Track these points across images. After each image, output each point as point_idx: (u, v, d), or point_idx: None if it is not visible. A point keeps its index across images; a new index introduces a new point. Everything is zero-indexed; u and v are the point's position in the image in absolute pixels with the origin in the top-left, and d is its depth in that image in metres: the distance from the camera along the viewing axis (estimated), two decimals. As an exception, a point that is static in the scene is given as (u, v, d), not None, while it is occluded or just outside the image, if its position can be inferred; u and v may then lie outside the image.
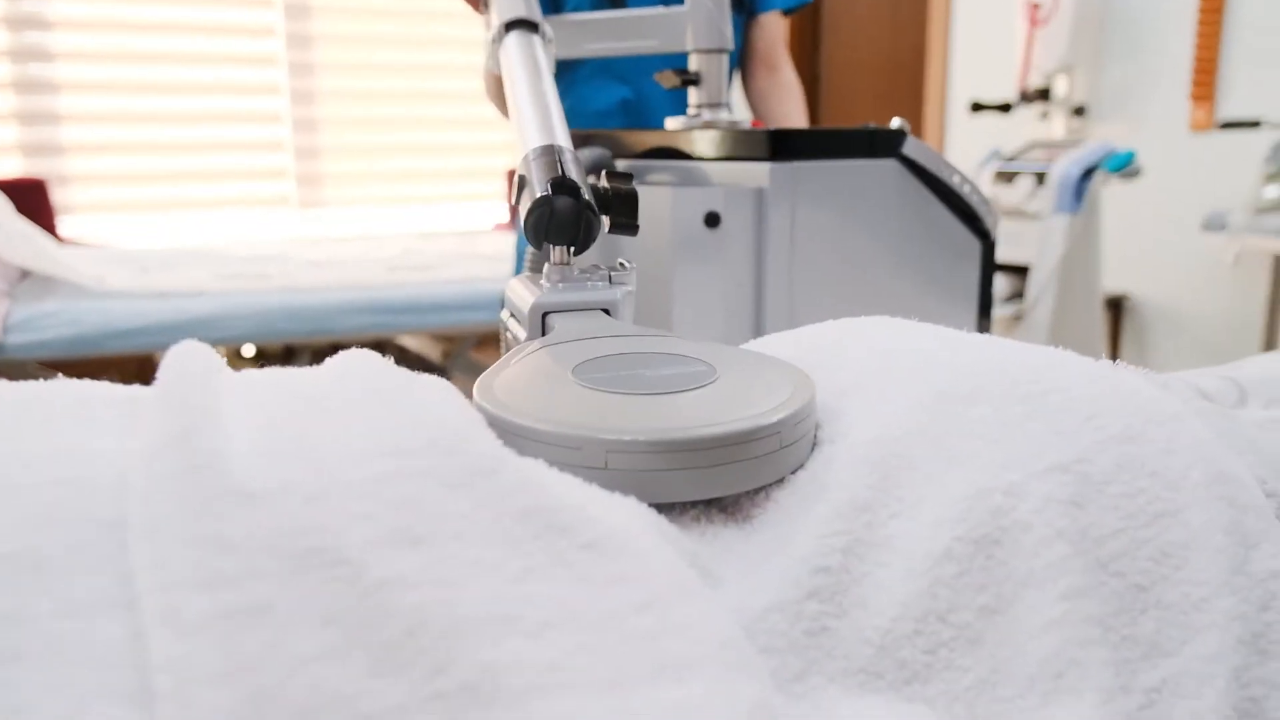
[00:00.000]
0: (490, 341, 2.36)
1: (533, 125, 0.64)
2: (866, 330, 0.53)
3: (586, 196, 0.57)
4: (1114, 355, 3.17)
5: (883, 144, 0.93)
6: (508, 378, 0.44)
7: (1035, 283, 2.55)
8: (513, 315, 0.60)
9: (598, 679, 0.27)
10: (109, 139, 3.78)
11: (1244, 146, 2.58)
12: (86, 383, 0.40)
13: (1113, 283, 2.99)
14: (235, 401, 0.35)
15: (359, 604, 0.27)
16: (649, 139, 1.00)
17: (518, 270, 1.40)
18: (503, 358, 0.48)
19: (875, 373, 0.46)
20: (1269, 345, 2.46)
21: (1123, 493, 0.39)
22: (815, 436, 0.44)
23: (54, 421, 0.34)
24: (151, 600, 0.26)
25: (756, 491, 0.41)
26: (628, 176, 0.61)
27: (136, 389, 0.38)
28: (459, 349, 2.32)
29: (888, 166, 0.94)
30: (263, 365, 2.00)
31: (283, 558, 0.28)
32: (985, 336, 0.51)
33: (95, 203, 3.78)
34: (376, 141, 4.24)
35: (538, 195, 0.57)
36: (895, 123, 0.98)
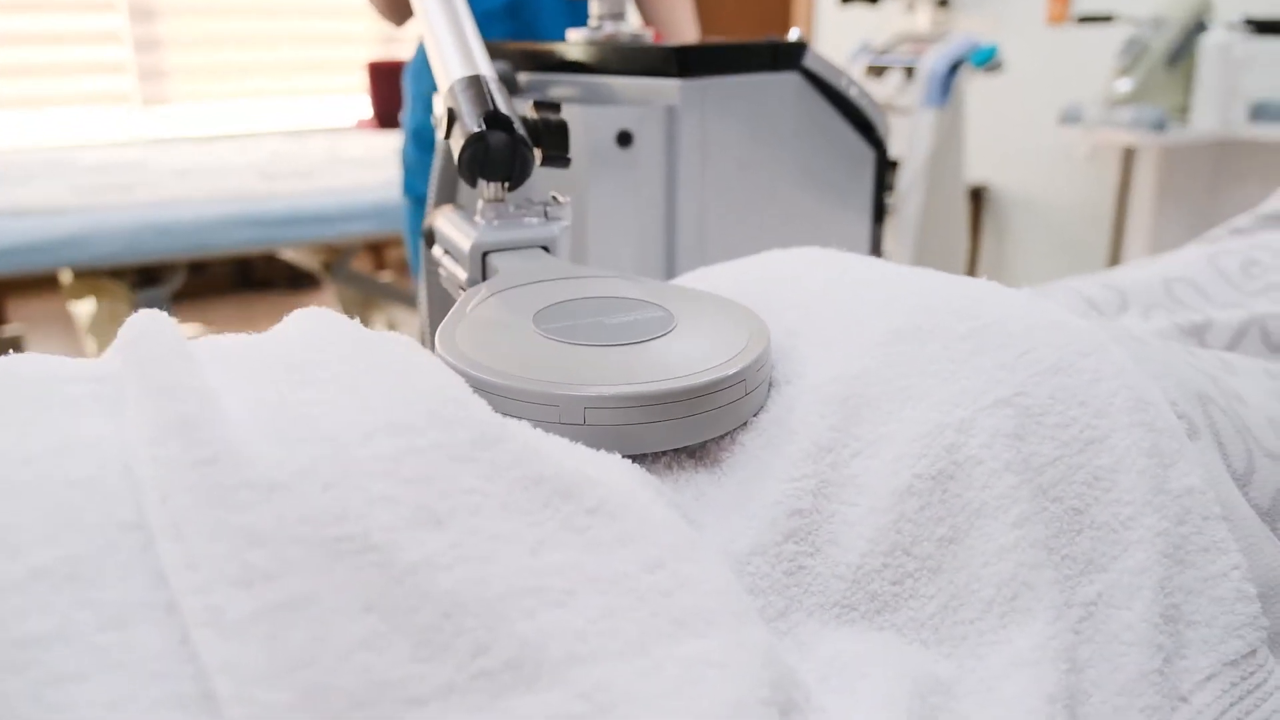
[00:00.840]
0: (370, 250, 2.29)
1: (454, 55, 0.62)
2: (803, 265, 0.55)
3: (520, 130, 0.57)
4: (974, 245, 3.32)
5: (785, 57, 0.94)
6: (469, 330, 0.44)
7: (904, 177, 2.63)
8: (447, 252, 0.60)
9: (625, 641, 0.29)
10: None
11: (1099, 40, 2.68)
12: (42, 357, 0.38)
13: (973, 173, 3.11)
14: (217, 376, 0.35)
15: (394, 589, 0.28)
16: (548, 52, 0.98)
17: (407, 185, 1.36)
18: (455, 305, 0.48)
19: (822, 312, 0.48)
20: (1119, 233, 2.62)
21: (1057, 422, 0.42)
22: (770, 378, 0.45)
23: (32, 408, 0.33)
24: (190, 602, 0.26)
25: (722, 436, 0.43)
26: (555, 106, 0.61)
27: (101, 364, 0.37)
28: (340, 260, 2.26)
29: (789, 79, 0.94)
30: (129, 284, 1.90)
31: (313, 547, 0.28)
32: (913, 269, 0.53)
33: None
34: (223, 30, 3.98)
35: (471, 131, 0.56)
36: (793, 34, 0.99)
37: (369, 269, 2.75)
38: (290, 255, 2.28)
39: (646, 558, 0.32)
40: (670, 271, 0.89)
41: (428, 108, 1.33)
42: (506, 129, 0.56)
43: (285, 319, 0.45)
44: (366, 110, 4.01)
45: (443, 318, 0.85)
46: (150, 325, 0.37)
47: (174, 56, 3.92)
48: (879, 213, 1.11)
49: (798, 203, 0.99)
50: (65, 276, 1.89)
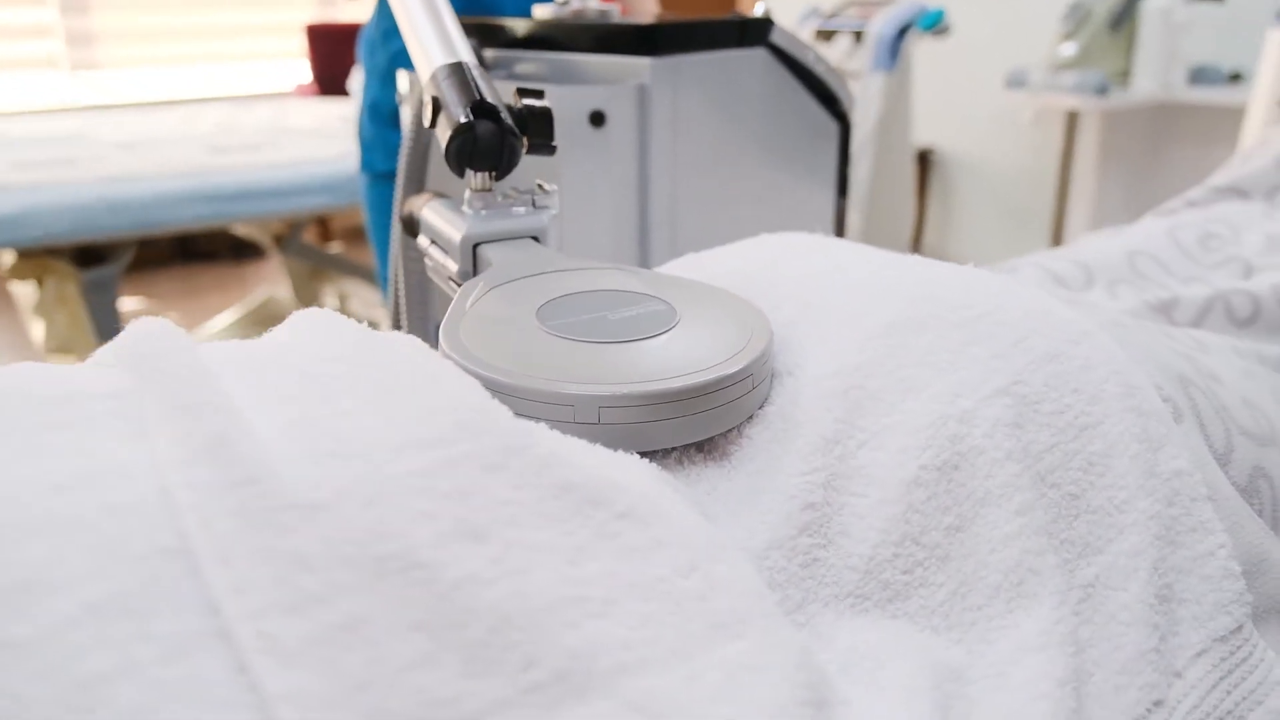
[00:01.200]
0: (317, 221, 2.25)
1: (435, 41, 0.61)
2: (791, 253, 0.55)
3: (507, 119, 0.56)
4: (921, 207, 3.36)
5: (752, 33, 0.94)
6: (473, 328, 0.44)
7: (855, 141, 2.64)
8: (434, 242, 0.59)
9: (667, 648, 0.30)
10: None
11: (1044, 4, 2.71)
12: (42, 369, 0.37)
13: (920, 137, 3.14)
14: (235, 389, 0.34)
15: (441, 606, 0.28)
16: (514, 28, 0.97)
17: (365, 160, 1.34)
18: (454, 302, 0.48)
19: (817, 303, 0.49)
20: (1062, 196, 2.67)
21: (1053, 410, 0.44)
22: (772, 370, 0.46)
23: (53, 430, 0.32)
24: (244, 629, 0.26)
25: (730, 429, 0.43)
26: (539, 93, 0.60)
27: (110, 378, 0.36)
28: (292, 233, 2.21)
29: (757, 55, 0.95)
30: (74, 263, 1.84)
31: (359, 568, 0.28)
32: (900, 256, 0.54)
33: None
34: (154, -7, 3.86)
35: (459, 121, 0.55)
36: (759, 10, 0.99)
37: (315, 239, 2.70)
38: (240, 228, 2.23)
39: (679, 562, 0.32)
40: (644, 251, 0.89)
41: (384, 81, 1.31)
42: (493, 118, 0.56)
43: (287, 322, 0.44)
44: (306, 74, 3.92)
45: (421, 304, 0.85)
46: (160, 336, 0.36)
47: (103, 19, 3.79)
48: (843, 185, 1.12)
49: (764, 178, 1.00)
50: (6, 257, 1.83)
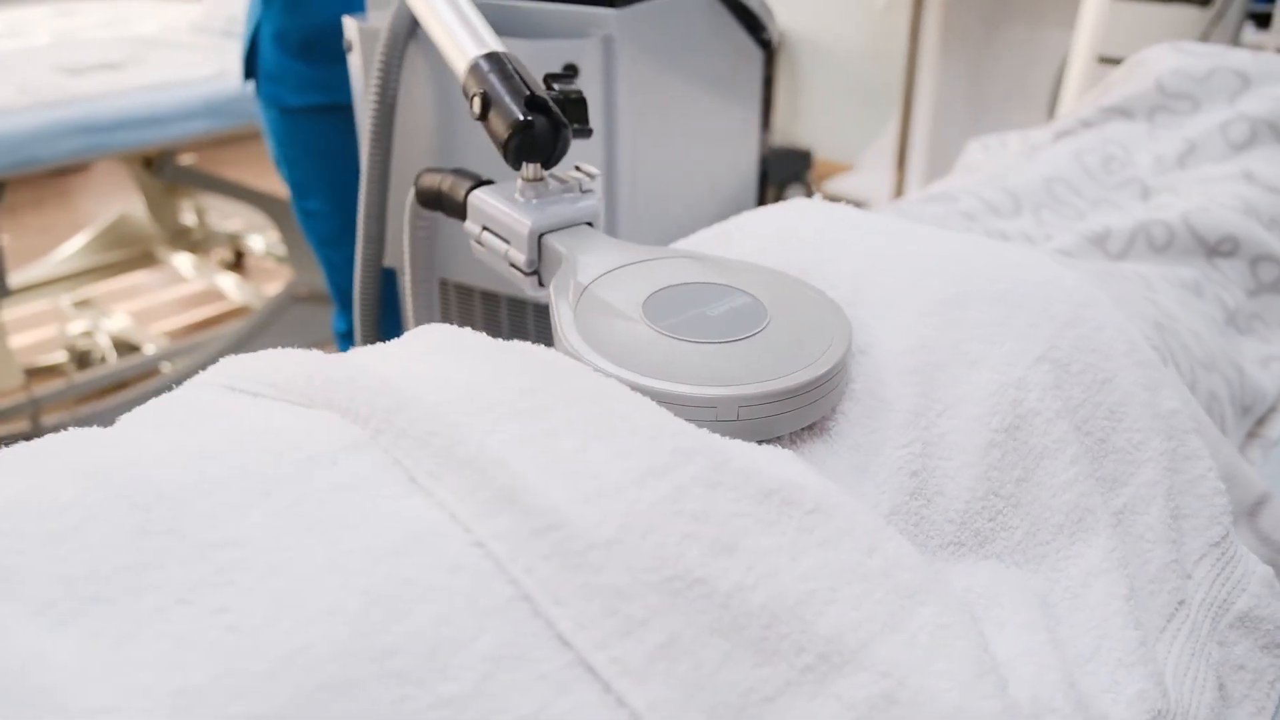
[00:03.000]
0: (204, 146, 2.11)
1: (461, 30, 0.63)
2: (814, 232, 0.61)
3: (557, 112, 0.60)
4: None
5: (695, -27, 0.97)
6: (596, 334, 0.49)
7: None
8: (486, 229, 0.62)
9: (883, 622, 0.37)
10: None
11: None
12: (262, 429, 0.40)
13: (770, 20, 3.19)
14: (464, 424, 0.39)
15: (725, 614, 0.34)
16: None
17: (271, 93, 1.29)
18: (556, 305, 0.52)
19: (868, 283, 0.55)
20: (911, 80, 2.79)
21: (1080, 369, 0.53)
22: None
23: (337, 491, 0.35)
24: (598, 658, 0.32)
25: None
26: (569, 76, 0.63)
27: (330, 429, 0.39)
28: (165, 160, 2.08)
29: (699, -5, 0.98)
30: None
31: (659, 591, 0.34)
32: (915, 227, 0.62)
33: None
34: None
35: (517, 120, 0.58)
36: (694, -57, 1.02)
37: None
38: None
39: (862, 545, 0.39)
40: (610, 196, 0.93)
41: (287, 7, 1.26)
42: (545, 112, 0.59)
43: (421, 343, 0.48)
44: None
45: (426, 266, 0.86)
46: (380, 387, 0.40)
47: None
48: (767, 109, 1.18)
49: (705, 112, 1.05)
50: None
